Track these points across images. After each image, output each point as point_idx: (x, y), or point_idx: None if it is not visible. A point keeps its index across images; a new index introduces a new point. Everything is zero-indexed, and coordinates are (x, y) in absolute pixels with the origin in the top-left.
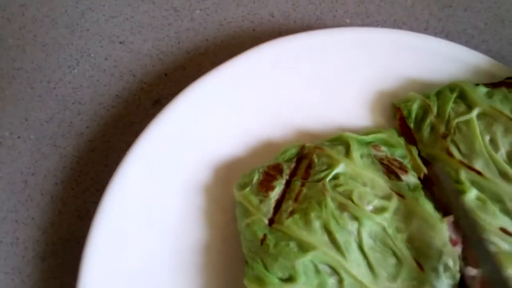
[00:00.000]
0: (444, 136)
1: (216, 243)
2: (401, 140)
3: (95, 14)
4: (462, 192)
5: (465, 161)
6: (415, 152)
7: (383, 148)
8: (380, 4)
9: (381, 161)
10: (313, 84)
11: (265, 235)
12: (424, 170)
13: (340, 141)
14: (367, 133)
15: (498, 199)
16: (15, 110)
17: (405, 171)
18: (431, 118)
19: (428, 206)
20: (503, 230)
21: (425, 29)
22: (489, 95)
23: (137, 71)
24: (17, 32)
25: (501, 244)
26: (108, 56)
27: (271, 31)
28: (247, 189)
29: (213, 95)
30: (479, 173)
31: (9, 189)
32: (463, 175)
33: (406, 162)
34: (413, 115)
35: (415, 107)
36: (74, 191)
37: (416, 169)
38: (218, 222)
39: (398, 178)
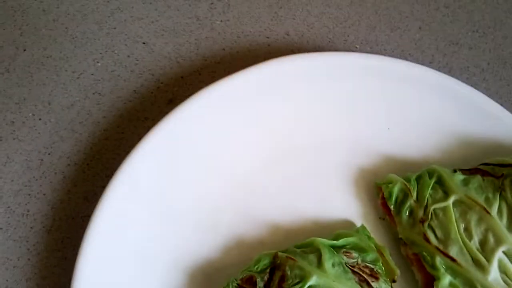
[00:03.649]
0: (422, 221)
1: None
2: (371, 243)
3: (123, 14)
4: (436, 278)
5: (441, 247)
6: (386, 254)
7: (354, 254)
8: (390, 34)
9: (352, 268)
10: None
11: None
12: (397, 272)
13: (311, 247)
14: (337, 237)
15: (471, 286)
16: (40, 94)
17: (376, 278)
18: (410, 202)
19: None
20: None
21: (430, 62)
22: (465, 183)
23: (155, 71)
24: (50, 23)
25: None
26: (131, 54)
27: (284, 48)
28: None
29: (223, 101)
30: (453, 260)
31: (26, 165)
32: (438, 260)
33: (378, 267)
34: (394, 197)
35: (395, 189)
36: (85, 174)
37: (388, 271)
38: None
39: (369, 285)
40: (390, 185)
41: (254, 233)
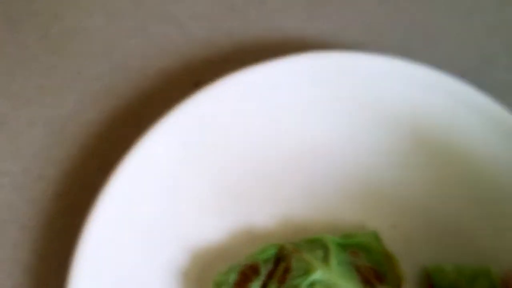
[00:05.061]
0: None
1: None
2: (381, 246)
3: None
4: None
5: None
6: (395, 260)
7: (361, 254)
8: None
9: (358, 268)
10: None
11: None
12: (404, 280)
13: (320, 243)
14: (347, 236)
15: None
16: (71, 63)
17: (382, 280)
18: None
19: None
20: None
21: (462, 75)
22: None
23: (185, 53)
24: None
25: None
26: (163, 34)
27: (317, 46)
28: None
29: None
30: None
31: (47, 130)
32: None
33: (384, 271)
34: None
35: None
36: (102, 145)
37: (395, 278)
38: None
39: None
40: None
41: (263, 224)
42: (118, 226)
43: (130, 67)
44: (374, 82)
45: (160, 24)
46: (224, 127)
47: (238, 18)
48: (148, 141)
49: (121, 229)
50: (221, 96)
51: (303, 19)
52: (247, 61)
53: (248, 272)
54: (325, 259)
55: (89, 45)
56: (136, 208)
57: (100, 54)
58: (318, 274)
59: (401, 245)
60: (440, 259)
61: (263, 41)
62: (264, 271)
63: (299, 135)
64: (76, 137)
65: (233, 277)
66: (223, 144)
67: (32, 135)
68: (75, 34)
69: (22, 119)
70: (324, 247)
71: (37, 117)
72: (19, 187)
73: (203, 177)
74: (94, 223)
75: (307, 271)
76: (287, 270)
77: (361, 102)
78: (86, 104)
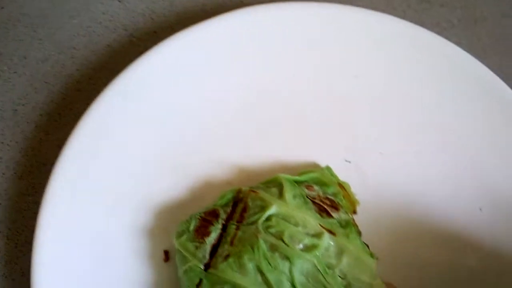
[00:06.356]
0: None
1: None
2: (334, 178)
3: None
4: None
5: None
6: (348, 188)
7: (316, 187)
8: None
9: (313, 200)
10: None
11: (200, 280)
12: (358, 204)
13: (275, 182)
14: (301, 174)
15: None
16: (16, 49)
17: (337, 208)
18: None
19: (358, 242)
20: None
21: (401, 18)
22: None
23: (129, 27)
24: None
25: None
26: (106, 11)
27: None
28: (184, 236)
29: (194, 47)
30: None
31: (0, 115)
32: None
33: (338, 199)
34: None
35: None
36: (57, 123)
37: (349, 204)
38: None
39: (330, 216)
40: None
41: (223, 175)
42: (78, 193)
43: (76, 46)
44: (307, 27)
45: (101, 1)
46: (175, 85)
47: None
48: (97, 108)
49: (81, 196)
50: (165, 58)
51: None
52: None
53: (208, 218)
54: (280, 195)
55: (33, 30)
56: (95, 173)
57: (45, 37)
58: (273, 209)
59: (355, 176)
60: (392, 183)
61: (204, 7)
62: (223, 215)
63: (246, 85)
64: (29, 119)
65: (193, 224)
66: (174, 102)
67: None
68: (17, 21)
69: None
70: (279, 185)
71: None
72: None
73: (159, 136)
74: (54, 193)
75: (263, 208)
76: (244, 210)
77: (299, 48)
78: (35, 87)
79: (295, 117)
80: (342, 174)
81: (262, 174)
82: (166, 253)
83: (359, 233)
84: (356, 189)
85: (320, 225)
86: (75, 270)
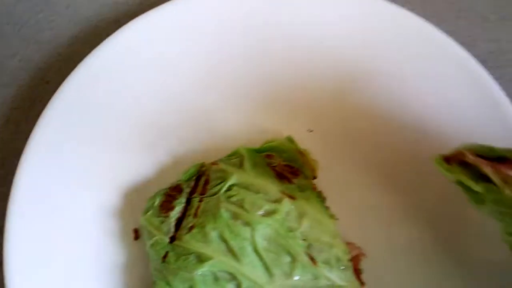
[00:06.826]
0: None
1: (131, 265)
2: (294, 145)
3: None
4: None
5: None
6: (307, 155)
7: (276, 156)
8: None
9: (273, 168)
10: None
11: (167, 253)
12: (317, 168)
13: (236, 155)
14: (264, 143)
15: None
16: None
17: (296, 174)
18: None
19: (318, 205)
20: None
21: None
22: None
23: (93, 18)
24: None
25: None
26: (68, 5)
27: None
28: (149, 212)
29: (157, 28)
30: None
31: None
32: None
33: (298, 165)
34: None
35: None
36: (28, 116)
37: (309, 171)
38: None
39: (290, 181)
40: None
41: (190, 152)
42: (47, 177)
43: (42, 40)
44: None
45: None
46: (138, 68)
47: None
48: (66, 88)
49: (50, 179)
50: (127, 41)
51: None
52: None
53: (172, 193)
54: (241, 165)
55: None
56: (63, 157)
57: (10, 33)
58: (234, 179)
59: (319, 145)
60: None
61: None
62: (187, 189)
63: (209, 61)
64: (1, 113)
65: (158, 200)
66: (138, 83)
67: None
68: None
69: None
70: (240, 156)
71: None
72: None
73: (126, 117)
74: (24, 173)
75: (224, 178)
76: (206, 182)
77: (260, 25)
78: (4, 82)
79: (263, 92)
80: (306, 143)
81: (228, 149)
82: (136, 231)
83: (322, 197)
84: (318, 156)
85: (281, 191)
86: (47, 253)
